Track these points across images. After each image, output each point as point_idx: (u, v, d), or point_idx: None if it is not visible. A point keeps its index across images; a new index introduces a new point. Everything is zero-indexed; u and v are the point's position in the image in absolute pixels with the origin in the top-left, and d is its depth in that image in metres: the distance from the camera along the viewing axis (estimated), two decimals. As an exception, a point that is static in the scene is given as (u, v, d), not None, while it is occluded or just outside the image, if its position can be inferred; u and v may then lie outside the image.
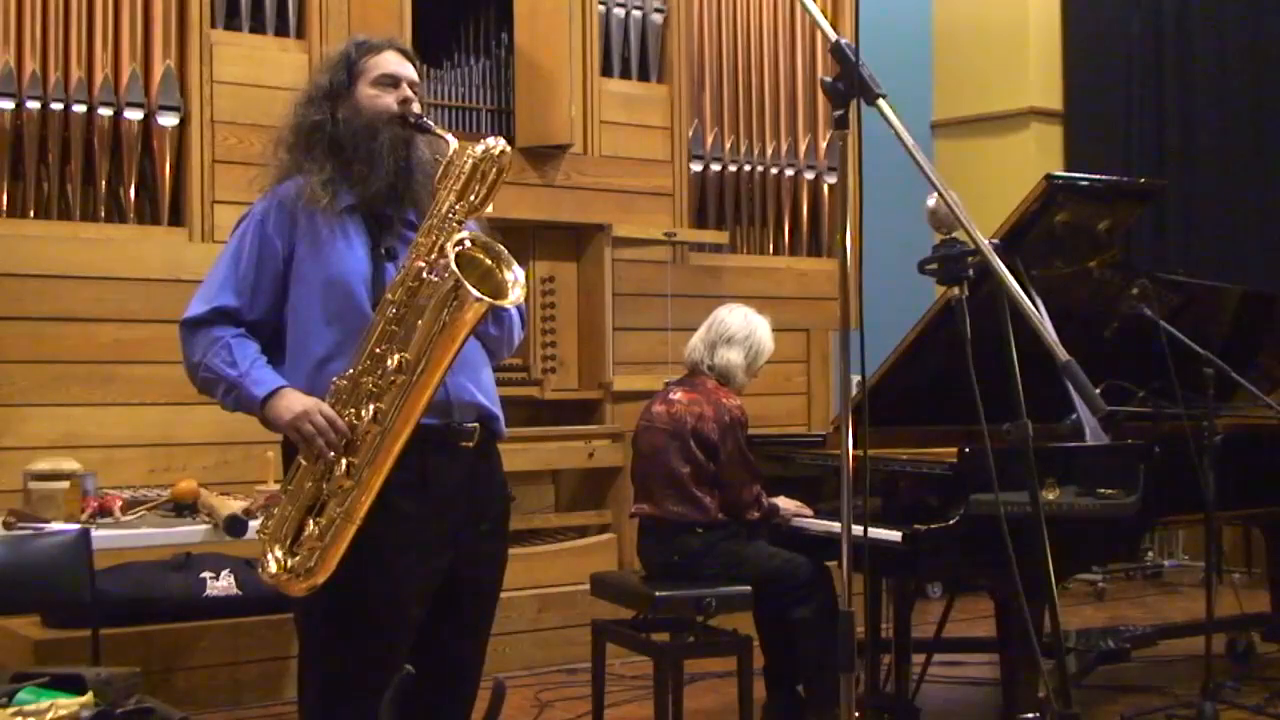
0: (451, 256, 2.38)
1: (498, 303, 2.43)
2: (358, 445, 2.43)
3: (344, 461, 2.43)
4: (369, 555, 2.45)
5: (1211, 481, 4.11)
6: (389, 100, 2.62)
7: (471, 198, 2.48)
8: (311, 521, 2.45)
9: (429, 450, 2.53)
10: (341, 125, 2.60)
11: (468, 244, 2.45)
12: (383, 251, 2.58)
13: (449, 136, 2.53)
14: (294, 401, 2.47)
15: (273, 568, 2.48)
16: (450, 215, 2.47)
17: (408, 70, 2.68)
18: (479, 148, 2.50)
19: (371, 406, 2.43)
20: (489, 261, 2.47)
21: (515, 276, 2.46)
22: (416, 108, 2.64)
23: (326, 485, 2.44)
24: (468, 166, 2.48)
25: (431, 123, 2.62)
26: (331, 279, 2.55)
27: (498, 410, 2.67)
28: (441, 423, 2.54)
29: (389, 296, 2.46)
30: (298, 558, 2.44)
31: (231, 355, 2.53)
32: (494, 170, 2.49)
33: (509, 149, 2.52)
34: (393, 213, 2.62)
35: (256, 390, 2.50)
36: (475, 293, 2.37)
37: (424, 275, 2.44)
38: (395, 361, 2.41)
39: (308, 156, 2.60)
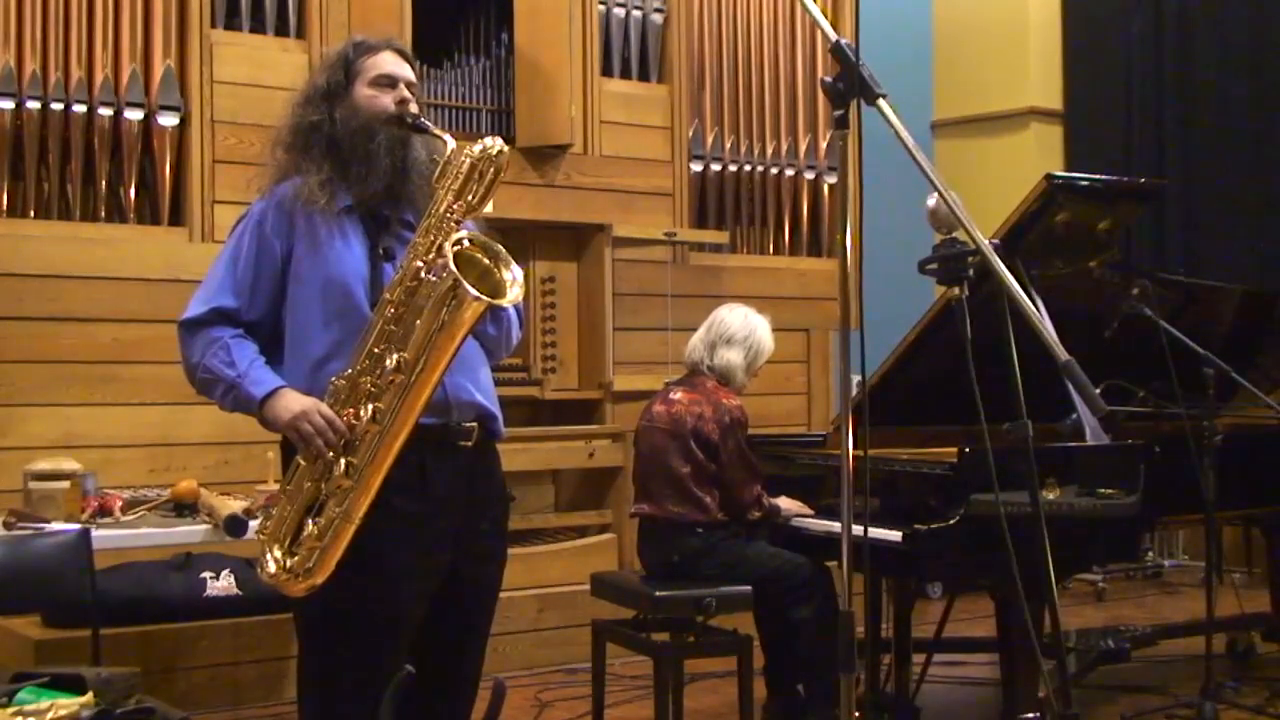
0: (450, 256, 2.38)
1: (496, 302, 2.42)
2: (356, 445, 2.43)
3: (343, 461, 2.43)
4: (368, 555, 2.45)
5: (1212, 481, 4.11)
6: (386, 101, 2.62)
7: (469, 197, 2.48)
8: (310, 521, 2.45)
9: (428, 450, 2.53)
10: (339, 125, 2.60)
11: (466, 243, 2.45)
12: (380, 252, 2.59)
13: (446, 136, 2.53)
14: (292, 401, 2.47)
15: (272, 568, 2.48)
16: (448, 215, 2.47)
17: (405, 71, 2.68)
18: (476, 147, 2.50)
19: (370, 406, 2.42)
20: (487, 261, 2.47)
21: (514, 276, 2.45)
22: (414, 108, 2.64)
23: (325, 485, 2.44)
24: (465, 166, 2.48)
25: (429, 123, 2.62)
26: (330, 279, 2.55)
27: (496, 410, 2.67)
28: (440, 422, 2.54)
29: (387, 296, 2.46)
30: (297, 558, 2.44)
31: (230, 355, 2.53)
32: (491, 170, 2.49)
33: (506, 149, 2.52)
34: (390, 213, 2.62)
35: (255, 390, 2.50)
36: (473, 291, 2.37)
37: (422, 275, 2.43)
38: (394, 361, 2.41)
39: (305, 157, 2.60)
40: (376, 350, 2.44)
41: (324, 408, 2.45)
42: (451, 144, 2.51)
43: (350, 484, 2.41)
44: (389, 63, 2.66)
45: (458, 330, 2.40)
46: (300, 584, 2.44)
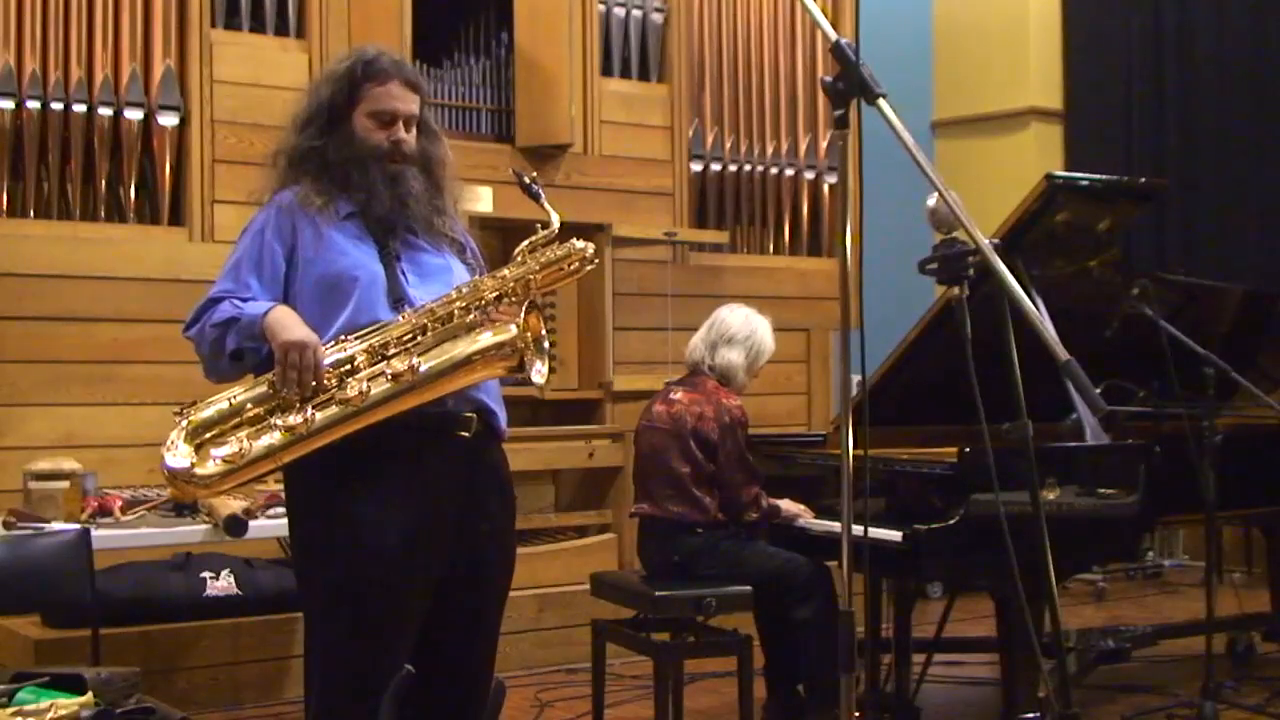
0: (522, 320, 2.55)
1: (535, 381, 2.60)
2: (330, 406, 2.44)
3: (310, 409, 2.43)
4: (365, 544, 2.48)
5: (1211, 481, 4.11)
6: (380, 137, 2.64)
7: (549, 276, 2.64)
8: (245, 438, 2.44)
9: (424, 437, 2.54)
10: (332, 153, 2.63)
11: (534, 318, 2.59)
12: (390, 251, 2.61)
13: (554, 215, 2.64)
14: (295, 326, 2.47)
15: (180, 459, 2.47)
16: (531, 279, 2.61)
17: (409, 105, 2.67)
18: (579, 243, 2.64)
19: (366, 384, 2.44)
20: (531, 339, 2.60)
21: (542, 370, 2.63)
22: (410, 146, 2.66)
23: (278, 419, 2.44)
24: (563, 252, 2.63)
25: (541, 191, 2.69)
26: (337, 272, 2.57)
27: (496, 407, 2.67)
28: (437, 411, 2.55)
29: (432, 308, 2.51)
30: (208, 469, 2.44)
31: (231, 304, 2.54)
32: (576, 266, 2.64)
33: (596, 261, 2.68)
34: (395, 220, 2.64)
35: (256, 310, 2.50)
36: (535, 369, 2.56)
37: (472, 311, 2.53)
38: (411, 364, 2.45)
39: (303, 172, 2.64)
40: (393, 343, 2.48)
41: (321, 353, 2.45)
42: (556, 222, 2.63)
43: (302, 432, 2.42)
44: (394, 95, 2.65)
45: (480, 373, 2.53)
46: (193, 490, 2.48)
